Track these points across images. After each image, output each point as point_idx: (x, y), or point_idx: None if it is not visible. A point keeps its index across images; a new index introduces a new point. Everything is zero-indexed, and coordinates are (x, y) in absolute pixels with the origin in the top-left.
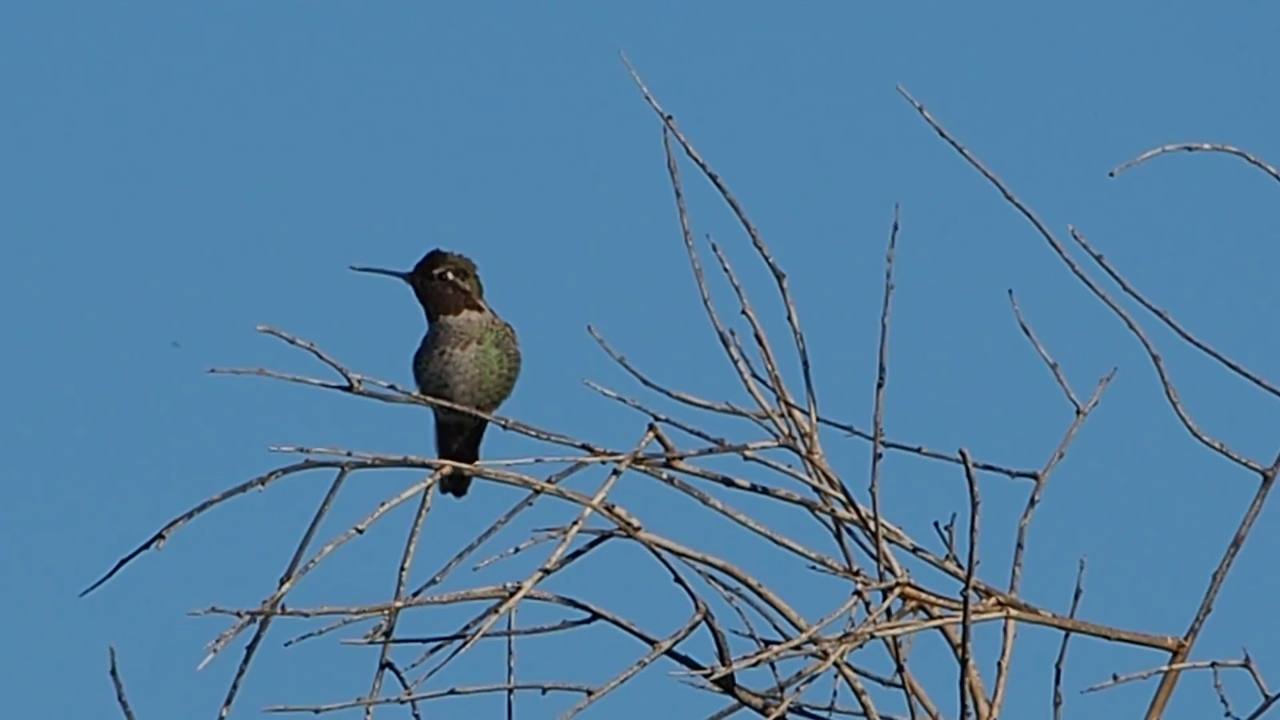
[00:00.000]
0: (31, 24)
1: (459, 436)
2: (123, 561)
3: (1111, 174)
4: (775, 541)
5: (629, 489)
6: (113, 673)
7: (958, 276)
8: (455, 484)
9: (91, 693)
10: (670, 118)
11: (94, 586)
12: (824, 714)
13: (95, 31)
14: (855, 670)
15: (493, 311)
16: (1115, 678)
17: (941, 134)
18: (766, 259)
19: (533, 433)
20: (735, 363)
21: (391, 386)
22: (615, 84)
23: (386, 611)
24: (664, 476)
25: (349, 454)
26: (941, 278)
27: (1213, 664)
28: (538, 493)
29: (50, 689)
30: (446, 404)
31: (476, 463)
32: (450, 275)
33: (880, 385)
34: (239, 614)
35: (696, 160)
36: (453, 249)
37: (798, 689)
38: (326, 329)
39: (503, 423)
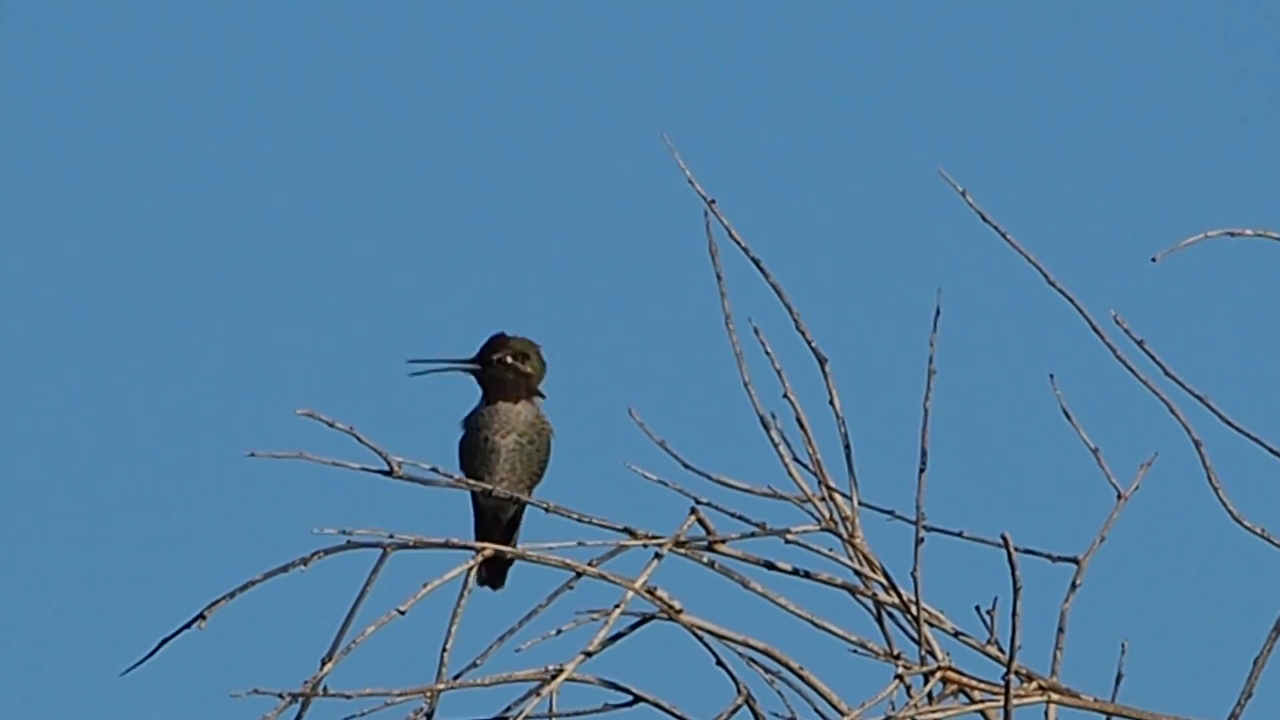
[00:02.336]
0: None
1: (499, 523)
2: (164, 641)
3: (1154, 259)
4: (816, 625)
5: (670, 572)
6: None
7: (1000, 361)
8: (492, 575)
9: None
10: (713, 201)
11: (136, 665)
12: None
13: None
14: None
15: (542, 399)
16: None
17: (984, 218)
18: (809, 343)
19: (574, 516)
20: (776, 446)
21: (434, 469)
22: (659, 167)
23: (428, 694)
24: (705, 560)
25: (390, 535)
26: (983, 363)
27: None
28: (579, 575)
29: None
30: (488, 486)
31: (519, 545)
32: (510, 359)
33: (923, 470)
34: (281, 695)
35: (739, 243)
36: (516, 332)
37: None
38: (367, 406)
39: (545, 506)
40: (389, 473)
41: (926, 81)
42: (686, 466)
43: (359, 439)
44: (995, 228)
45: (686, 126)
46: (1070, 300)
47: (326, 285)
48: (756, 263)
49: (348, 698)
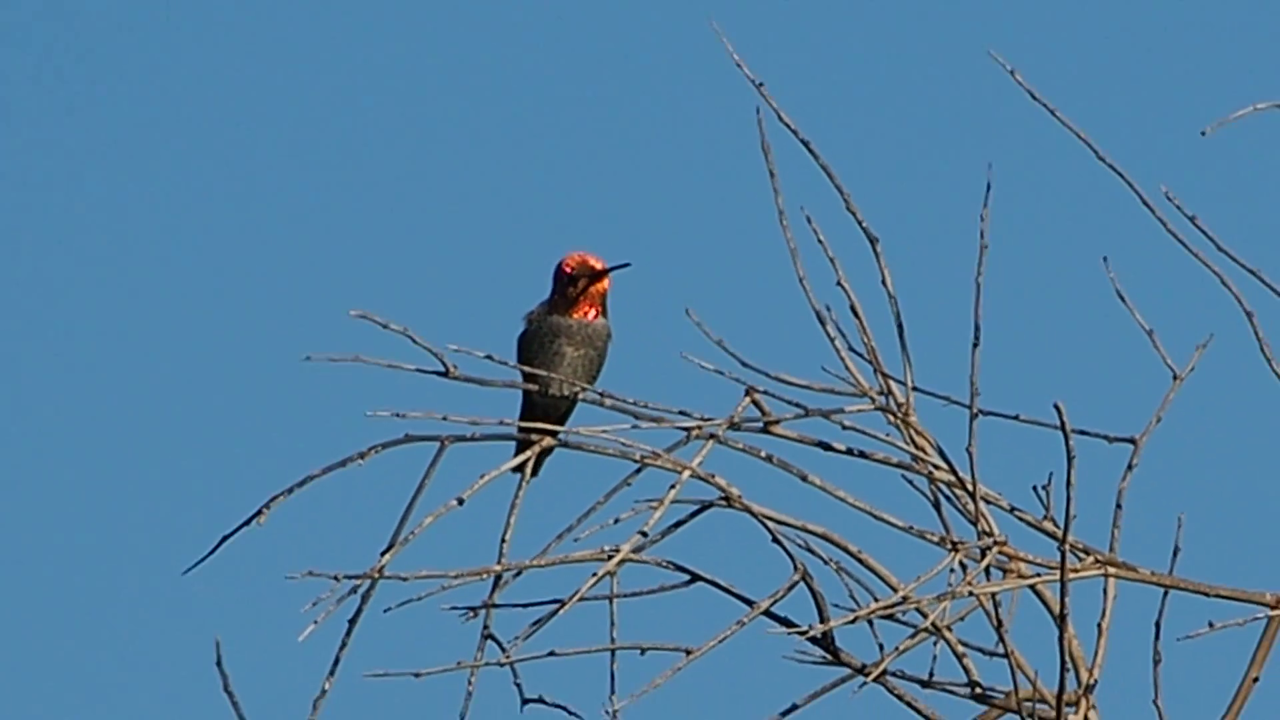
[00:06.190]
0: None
1: (549, 420)
2: (225, 538)
3: (1204, 133)
4: (874, 516)
5: (728, 465)
6: (218, 664)
7: (1052, 240)
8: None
9: (198, 672)
10: (762, 85)
11: (197, 564)
12: (925, 679)
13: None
14: (957, 639)
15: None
16: (1211, 625)
17: (1034, 97)
18: (860, 223)
19: (629, 403)
20: (833, 340)
21: (489, 357)
22: (708, 55)
23: (485, 574)
24: (763, 455)
25: (444, 418)
26: (1036, 242)
27: None
28: (639, 470)
29: (158, 667)
30: (546, 385)
31: (574, 431)
32: (589, 276)
33: (975, 345)
34: (336, 577)
35: (789, 126)
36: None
37: (897, 649)
38: (419, 306)
39: (600, 396)
40: (445, 373)
41: None
42: (744, 364)
43: (414, 339)
44: (1045, 105)
45: (733, 10)
46: (1121, 175)
47: (378, 188)
48: (806, 145)
49: (404, 580)
